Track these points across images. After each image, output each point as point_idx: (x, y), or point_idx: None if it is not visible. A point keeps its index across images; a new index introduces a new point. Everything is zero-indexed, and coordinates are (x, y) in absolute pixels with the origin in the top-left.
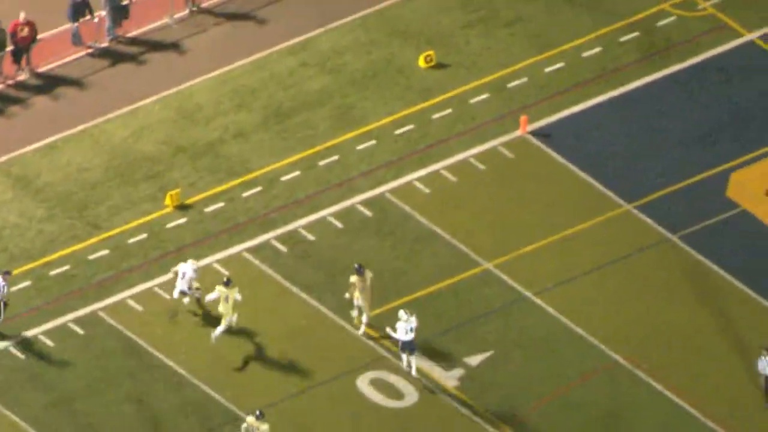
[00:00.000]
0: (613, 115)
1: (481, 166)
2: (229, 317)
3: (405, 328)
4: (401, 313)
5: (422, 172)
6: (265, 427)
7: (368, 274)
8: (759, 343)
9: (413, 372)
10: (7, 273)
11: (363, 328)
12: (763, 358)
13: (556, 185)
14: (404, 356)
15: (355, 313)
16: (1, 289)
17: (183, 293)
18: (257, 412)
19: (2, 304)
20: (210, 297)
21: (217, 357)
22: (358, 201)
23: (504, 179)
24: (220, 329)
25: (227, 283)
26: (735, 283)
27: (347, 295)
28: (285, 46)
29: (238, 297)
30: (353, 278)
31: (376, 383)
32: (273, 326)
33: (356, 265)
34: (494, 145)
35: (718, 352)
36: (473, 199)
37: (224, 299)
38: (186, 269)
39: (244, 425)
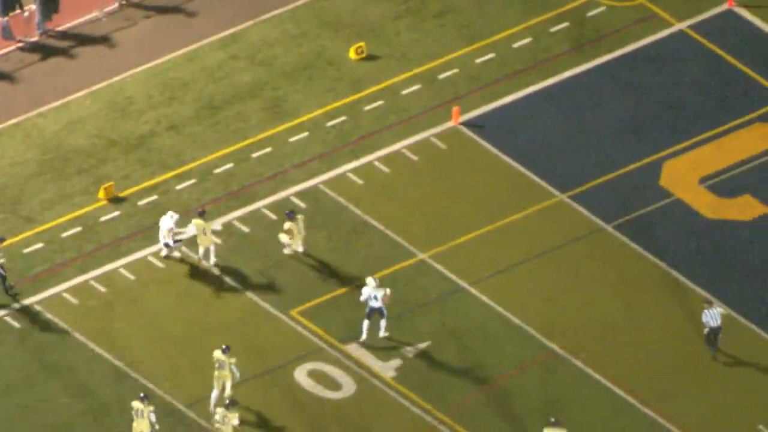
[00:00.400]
0: (545, 105)
1: (414, 158)
2: (208, 245)
3: (372, 294)
4: (369, 279)
5: (355, 164)
6: (234, 416)
7: (300, 217)
8: (694, 330)
9: (382, 333)
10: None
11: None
12: (706, 311)
13: (490, 176)
14: (366, 323)
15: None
16: None
17: (167, 246)
18: (227, 401)
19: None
20: (188, 232)
21: (155, 349)
22: (292, 193)
23: (437, 170)
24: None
25: (201, 214)
26: (669, 272)
27: (283, 240)
28: (215, 38)
29: (217, 227)
30: (287, 224)
31: (314, 374)
32: (209, 318)
33: (288, 212)
34: (427, 136)
35: (654, 341)
36: (407, 190)
37: (201, 232)
38: (165, 223)
39: (216, 416)
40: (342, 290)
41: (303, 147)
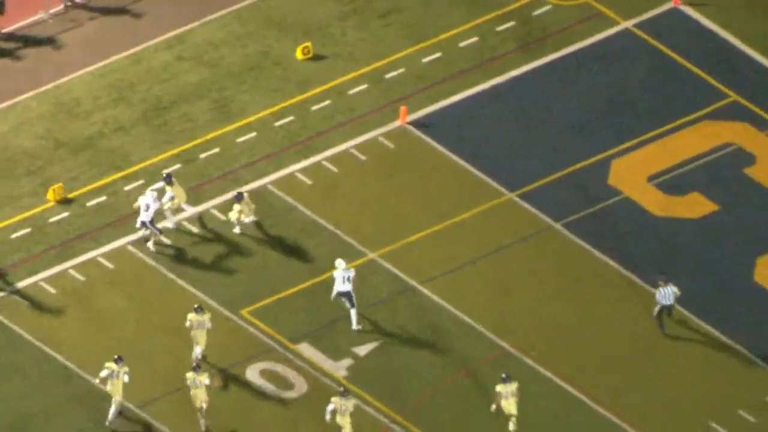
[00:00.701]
0: (492, 104)
1: (362, 157)
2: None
3: (342, 276)
4: (338, 261)
5: (304, 164)
6: (204, 376)
7: (246, 196)
8: (644, 326)
9: (354, 326)
10: None
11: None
12: (661, 288)
13: (438, 175)
14: (354, 312)
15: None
16: None
17: (144, 224)
18: (193, 365)
19: None
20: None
21: (105, 349)
22: (239, 192)
23: (385, 169)
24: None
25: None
26: (619, 270)
27: (233, 219)
28: (161, 39)
29: (170, 225)
30: (236, 206)
31: (266, 374)
32: (160, 319)
33: (236, 194)
34: (374, 135)
35: (604, 338)
36: (356, 190)
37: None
38: (145, 200)
39: (187, 382)
40: (292, 290)
41: (251, 147)
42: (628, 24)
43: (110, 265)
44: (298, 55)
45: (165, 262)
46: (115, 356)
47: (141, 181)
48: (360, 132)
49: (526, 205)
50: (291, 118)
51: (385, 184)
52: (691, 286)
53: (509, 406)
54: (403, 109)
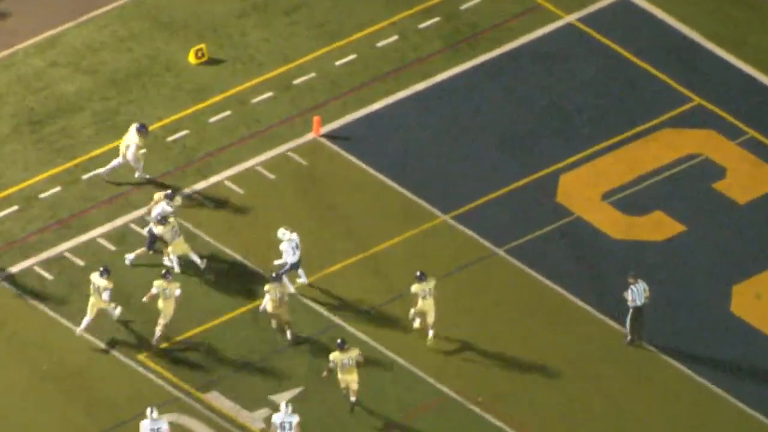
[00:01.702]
0: (418, 112)
1: (271, 176)
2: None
3: (290, 247)
4: (281, 231)
5: (203, 184)
6: (176, 286)
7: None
8: (598, 358)
9: (303, 279)
10: None
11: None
12: (633, 287)
13: (360, 194)
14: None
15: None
16: None
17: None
18: (163, 272)
19: None
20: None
21: None
22: (131, 219)
23: (299, 189)
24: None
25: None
26: (569, 298)
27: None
28: (31, 43)
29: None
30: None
31: (172, 428)
32: (45, 366)
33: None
34: (284, 150)
35: (556, 374)
36: (266, 214)
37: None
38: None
39: (154, 290)
40: (195, 330)
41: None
42: (572, 18)
43: None
44: (191, 59)
45: (46, 300)
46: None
47: (14, 208)
48: (267, 147)
49: (463, 229)
50: (186, 131)
51: (299, 206)
52: (658, 319)
53: (427, 306)
54: (316, 119)
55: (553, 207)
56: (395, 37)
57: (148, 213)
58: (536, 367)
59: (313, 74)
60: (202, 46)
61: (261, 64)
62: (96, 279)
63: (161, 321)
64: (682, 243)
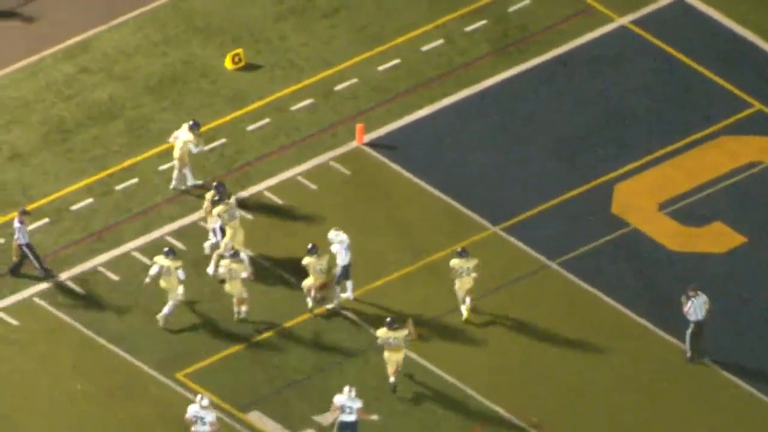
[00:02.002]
0: (466, 119)
1: (313, 186)
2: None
3: (342, 249)
4: (331, 233)
5: (242, 195)
6: (241, 267)
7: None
8: (656, 376)
9: (350, 294)
10: (24, 212)
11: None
12: (693, 299)
13: (405, 205)
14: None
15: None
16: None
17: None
18: (165, 249)
19: (23, 247)
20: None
21: (12, 426)
22: (167, 232)
23: (341, 201)
24: None
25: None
26: (625, 313)
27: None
28: (61, 48)
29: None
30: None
31: None
32: (80, 385)
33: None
34: (326, 159)
35: (612, 392)
36: (307, 226)
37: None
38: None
39: (221, 269)
40: (236, 347)
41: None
42: (625, 20)
43: (14, 322)
44: (228, 64)
45: (79, 316)
46: (166, 248)
47: (45, 220)
48: (308, 156)
49: (514, 241)
50: (223, 140)
51: (342, 217)
52: (719, 336)
53: (465, 283)
54: (358, 127)
55: (608, 218)
56: (441, 41)
57: (207, 213)
58: (591, 385)
59: (354, 80)
60: (239, 51)
61: (300, 69)
62: (162, 261)
63: (236, 301)
64: (744, 255)
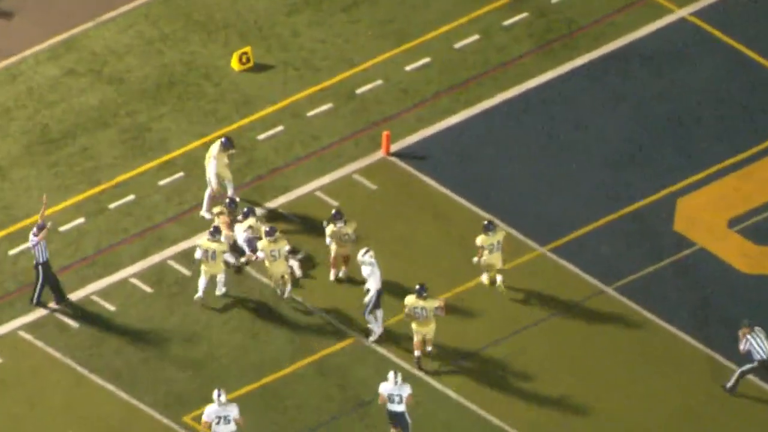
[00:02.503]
0: (506, 125)
1: (333, 202)
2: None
3: (374, 270)
4: (361, 254)
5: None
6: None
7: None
8: (723, 411)
9: (379, 326)
10: (42, 227)
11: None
12: (749, 336)
13: (439, 223)
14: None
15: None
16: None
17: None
18: (210, 230)
19: (39, 267)
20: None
21: None
22: (169, 256)
23: (366, 218)
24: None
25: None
26: (690, 342)
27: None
28: (43, 47)
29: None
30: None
31: None
32: (71, 430)
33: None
34: (348, 172)
35: (674, 429)
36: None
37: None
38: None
39: (261, 253)
40: (250, 386)
41: (179, 193)
42: (685, 12)
43: None
44: (235, 64)
45: (71, 352)
46: (210, 229)
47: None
48: (327, 168)
49: (564, 263)
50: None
51: (367, 238)
52: None
53: (494, 259)
54: (384, 135)
55: (670, 236)
56: (476, 37)
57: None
58: (652, 421)
59: (379, 81)
60: (247, 49)
61: (317, 69)
62: (207, 244)
63: (280, 281)
64: None
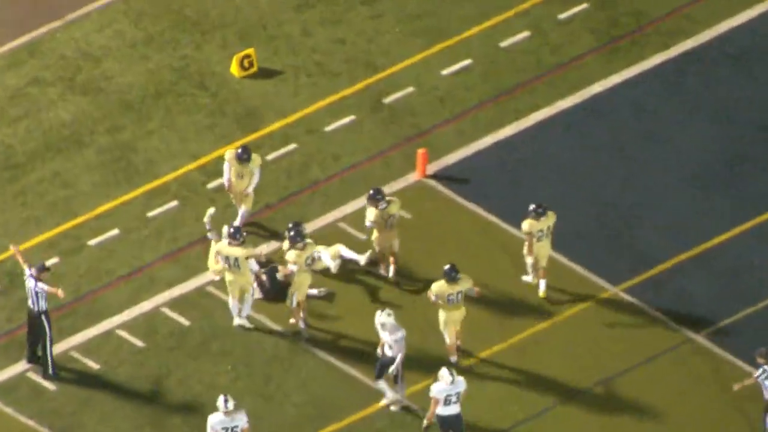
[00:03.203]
0: (565, 139)
1: (360, 235)
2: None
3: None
4: (379, 315)
5: (263, 248)
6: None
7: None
8: None
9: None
10: (43, 269)
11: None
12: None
13: (488, 258)
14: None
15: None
16: (33, 295)
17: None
18: (231, 230)
19: (42, 316)
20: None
21: None
22: (162, 303)
23: (399, 255)
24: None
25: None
26: None
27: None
28: (2, 52)
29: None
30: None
31: None
32: None
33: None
34: None
35: None
36: (355, 290)
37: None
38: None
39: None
40: None
41: (173, 226)
42: None
43: None
44: (235, 70)
45: (49, 419)
46: (232, 229)
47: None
48: (351, 194)
49: (644, 306)
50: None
51: (403, 278)
52: None
53: (541, 249)
54: (420, 153)
55: None
56: (526, 33)
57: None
58: None
59: (410, 89)
60: (250, 51)
61: (335, 75)
62: (227, 249)
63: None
64: None
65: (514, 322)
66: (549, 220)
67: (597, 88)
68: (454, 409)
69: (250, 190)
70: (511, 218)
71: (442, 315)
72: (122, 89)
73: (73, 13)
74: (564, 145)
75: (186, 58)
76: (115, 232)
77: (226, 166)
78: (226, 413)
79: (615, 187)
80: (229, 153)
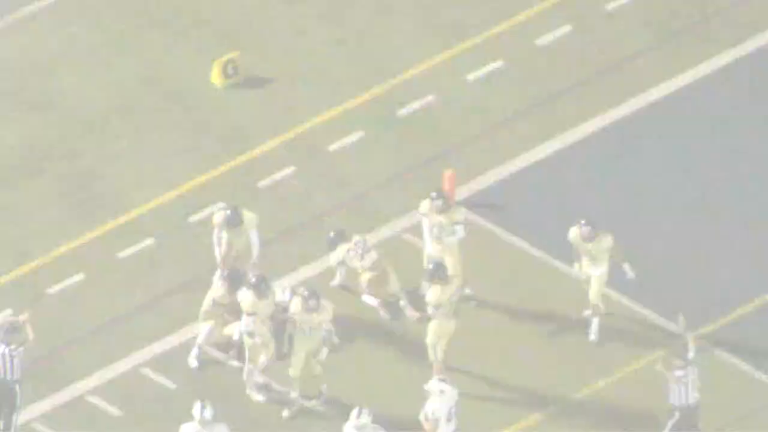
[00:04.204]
0: (621, 154)
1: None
2: None
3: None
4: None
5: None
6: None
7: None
8: None
9: None
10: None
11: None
12: (677, 372)
13: (533, 299)
14: None
15: None
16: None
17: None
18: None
19: (16, 386)
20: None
21: None
22: (142, 361)
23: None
24: None
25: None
26: None
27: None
28: None
29: None
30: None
31: None
32: None
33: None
34: (395, 232)
35: None
36: (374, 339)
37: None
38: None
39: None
40: None
41: (150, 267)
42: None
43: None
44: (216, 79)
45: None
46: (254, 279)
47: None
48: (364, 224)
49: (719, 353)
50: (221, 205)
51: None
52: None
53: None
54: (446, 176)
55: None
56: (567, 28)
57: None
58: None
59: (430, 97)
60: (233, 55)
61: (337, 83)
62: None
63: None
64: None
65: (546, 392)
66: (602, 242)
67: (655, 93)
68: (453, 426)
69: (255, 258)
70: (557, 251)
71: (436, 328)
72: (80, 104)
73: (14, 13)
74: (619, 161)
75: (157, 64)
76: (79, 277)
77: (215, 234)
78: (203, 424)
79: (677, 213)
80: (216, 216)
